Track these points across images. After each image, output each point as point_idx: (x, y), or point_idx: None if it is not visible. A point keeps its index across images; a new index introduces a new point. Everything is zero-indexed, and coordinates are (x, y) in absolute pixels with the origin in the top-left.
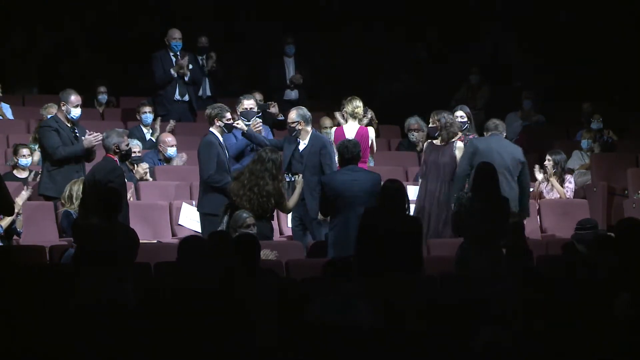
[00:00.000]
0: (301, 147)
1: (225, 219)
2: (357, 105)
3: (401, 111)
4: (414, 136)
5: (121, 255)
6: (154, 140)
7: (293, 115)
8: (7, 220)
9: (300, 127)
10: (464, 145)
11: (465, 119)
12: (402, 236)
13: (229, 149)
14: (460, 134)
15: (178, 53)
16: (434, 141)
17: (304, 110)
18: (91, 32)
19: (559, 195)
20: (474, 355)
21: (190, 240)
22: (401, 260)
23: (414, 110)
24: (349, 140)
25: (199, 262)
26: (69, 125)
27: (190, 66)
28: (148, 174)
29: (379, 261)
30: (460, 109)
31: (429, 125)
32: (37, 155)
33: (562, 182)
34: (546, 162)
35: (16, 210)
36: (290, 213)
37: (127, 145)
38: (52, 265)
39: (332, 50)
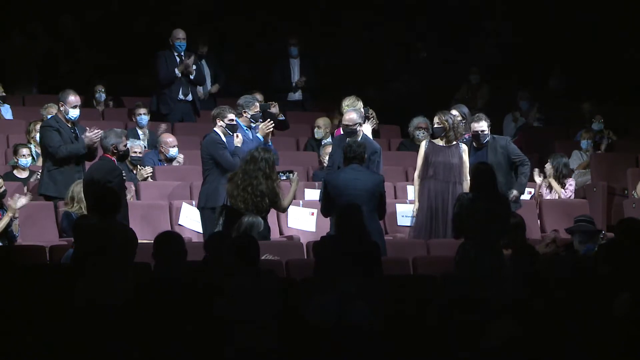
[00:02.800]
0: None
1: (222, 220)
2: (359, 105)
3: (401, 111)
4: (424, 134)
5: (120, 255)
6: (145, 144)
7: (354, 116)
8: (3, 222)
9: (359, 129)
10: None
11: (460, 119)
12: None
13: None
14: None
15: (182, 53)
16: (435, 141)
17: (361, 112)
18: (91, 32)
19: (557, 196)
20: (475, 355)
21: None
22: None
23: (414, 110)
24: (355, 140)
25: (173, 258)
26: (69, 125)
27: (194, 66)
28: (150, 178)
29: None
30: (455, 109)
31: (435, 126)
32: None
33: (563, 186)
34: (547, 165)
35: (12, 214)
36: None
37: (125, 145)
38: (52, 265)
39: (331, 50)
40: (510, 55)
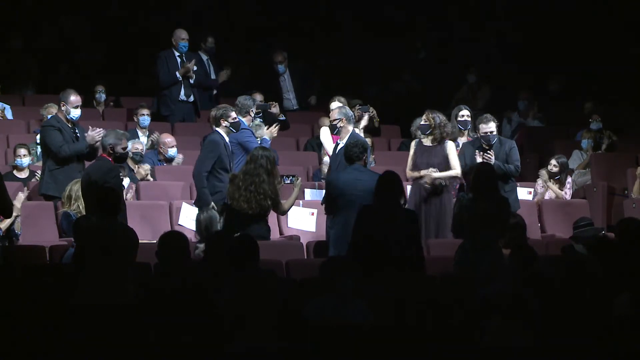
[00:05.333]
0: (339, 147)
1: (221, 220)
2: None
3: (401, 111)
4: None
5: (121, 255)
6: (146, 145)
7: (335, 113)
8: (6, 222)
9: (341, 125)
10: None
11: (470, 119)
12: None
13: (249, 148)
14: (465, 134)
15: (184, 54)
16: (423, 141)
17: (346, 109)
18: (91, 32)
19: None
20: (476, 355)
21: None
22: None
23: (414, 111)
24: (356, 140)
25: (177, 258)
26: (69, 125)
27: (195, 68)
28: (149, 175)
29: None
30: (465, 109)
31: (421, 123)
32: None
33: (562, 185)
34: (550, 167)
35: (15, 214)
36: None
37: (125, 148)
38: (52, 265)
39: (331, 50)
40: (510, 55)
